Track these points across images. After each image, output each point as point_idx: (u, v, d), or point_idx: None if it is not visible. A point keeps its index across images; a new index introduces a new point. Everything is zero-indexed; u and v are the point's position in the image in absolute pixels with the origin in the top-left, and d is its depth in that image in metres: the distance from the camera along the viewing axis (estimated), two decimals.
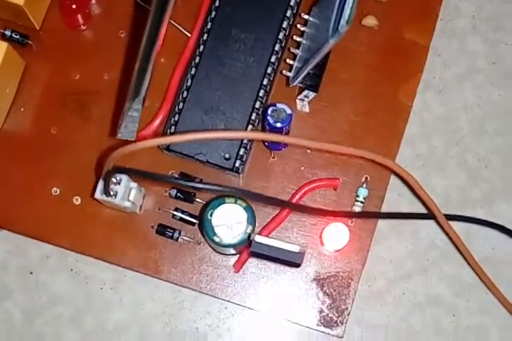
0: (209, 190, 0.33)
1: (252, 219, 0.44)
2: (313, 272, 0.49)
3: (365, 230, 0.49)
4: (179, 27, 0.50)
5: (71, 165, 0.49)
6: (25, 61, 0.48)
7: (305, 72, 0.45)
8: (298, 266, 0.43)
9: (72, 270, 0.49)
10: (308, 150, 0.50)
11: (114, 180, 0.43)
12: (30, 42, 0.49)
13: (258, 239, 0.42)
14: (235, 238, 0.44)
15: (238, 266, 0.48)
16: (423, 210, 0.50)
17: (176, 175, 0.49)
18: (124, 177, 0.44)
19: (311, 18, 0.47)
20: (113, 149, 0.38)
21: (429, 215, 0.48)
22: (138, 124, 0.39)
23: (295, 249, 0.42)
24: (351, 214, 0.50)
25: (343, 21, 0.39)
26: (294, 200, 0.49)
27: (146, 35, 0.32)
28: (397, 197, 0.51)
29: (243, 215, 0.44)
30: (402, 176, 0.45)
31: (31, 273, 0.49)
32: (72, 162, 0.49)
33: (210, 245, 0.48)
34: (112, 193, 0.43)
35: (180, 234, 0.48)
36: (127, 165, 0.47)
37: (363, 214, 0.50)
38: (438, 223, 0.48)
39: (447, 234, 0.49)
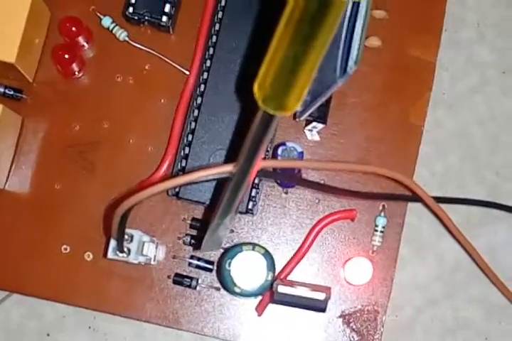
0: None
1: (271, 266, 0.43)
2: (337, 309, 0.47)
3: (388, 259, 0.48)
4: (176, 65, 0.48)
5: (78, 220, 0.47)
6: (21, 115, 0.46)
7: (313, 109, 0.43)
8: (323, 311, 0.42)
9: (90, 327, 0.47)
10: (322, 181, 0.48)
11: (125, 237, 0.42)
12: (24, 96, 0.47)
13: (281, 289, 0.40)
14: (256, 287, 0.42)
15: (261, 310, 0.47)
16: (445, 232, 0.49)
17: (189, 222, 0.47)
18: (136, 233, 0.42)
19: None
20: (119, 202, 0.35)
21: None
22: (224, 238, 0.39)
23: (320, 296, 0.40)
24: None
25: (351, 62, 0.36)
26: (312, 235, 0.47)
27: (244, 157, 0.29)
28: (417, 222, 0.49)
29: (262, 262, 0.43)
30: (417, 193, 0.44)
31: (48, 334, 0.47)
32: (79, 217, 0.47)
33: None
34: (124, 250, 0.42)
35: (197, 282, 0.46)
36: (139, 216, 0.46)
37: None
38: (460, 243, 0.47)
39: (470, 255, 0.48)
